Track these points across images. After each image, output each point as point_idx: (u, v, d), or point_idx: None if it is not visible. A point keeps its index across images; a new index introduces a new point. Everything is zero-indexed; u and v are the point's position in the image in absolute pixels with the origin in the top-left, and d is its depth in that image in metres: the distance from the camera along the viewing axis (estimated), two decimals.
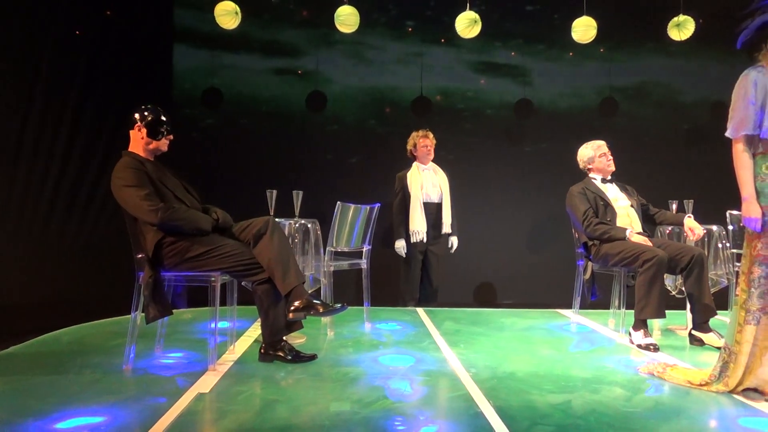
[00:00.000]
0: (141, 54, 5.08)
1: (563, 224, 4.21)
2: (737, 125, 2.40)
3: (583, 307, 4.08)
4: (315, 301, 2.69)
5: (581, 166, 3.96)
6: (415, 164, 4.62)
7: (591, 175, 3.91)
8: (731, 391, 2.44)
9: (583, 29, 5.00)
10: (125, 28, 5.00)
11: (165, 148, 2.93)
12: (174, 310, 2.78)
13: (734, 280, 3.63)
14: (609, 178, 3.88)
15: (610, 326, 3.82)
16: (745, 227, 2.43)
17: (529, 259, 5.55)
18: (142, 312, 2.73)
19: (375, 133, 5.54)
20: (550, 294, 4.80)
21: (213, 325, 2.73)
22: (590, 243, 3.70)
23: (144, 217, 2.69)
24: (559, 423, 2.12)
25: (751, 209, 2.37)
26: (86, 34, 4.79)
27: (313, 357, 2.90)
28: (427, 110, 5.63)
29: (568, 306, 4.19)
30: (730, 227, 3.98)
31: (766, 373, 2.35)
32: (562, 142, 4.53)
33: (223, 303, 2.94)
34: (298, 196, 3.54)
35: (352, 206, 3.56)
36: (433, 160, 4.65)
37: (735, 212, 3.94)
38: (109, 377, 2.60)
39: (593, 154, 3.89)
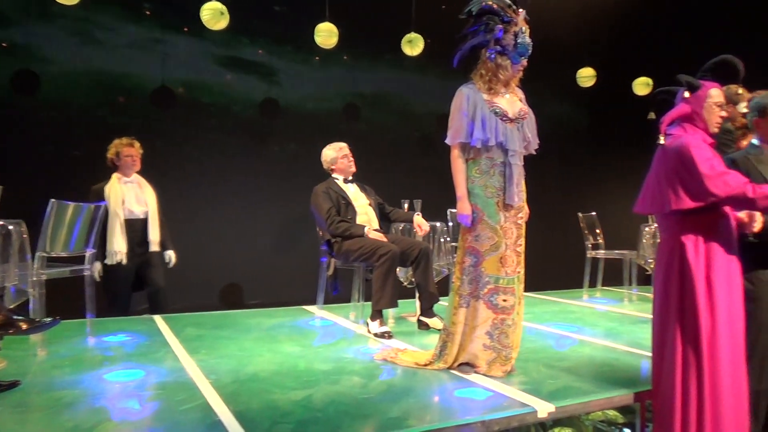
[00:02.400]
0: None
1: (309, 223, 4.30)
2: (454, 134, 2.72)
3: (327, 302, 4.23)
4: (16, 317, 2.25)
5: (325, 166, 4.10)
6: (114, 176, 4.03)
7: (334, 175, 4.07)
8: (449, 367, 2.75)
9: (326, 34, 5.19)
10: None
11: None
12: None
13: (453, 270, 4.15)
14: (350, 178, 4.08)
15: (351, 318, 4.02)
16: (459, 223, 2.77)
17: (276, 257, 5.55)
18: None
19: (106, 124, 4.91)
20: (296, 291, 4.86)
21: None
22: (333, 240, 3.85)
23: None
24: (299, 419, 2.12)
25: (463, 207, 2.71)
26: None
27: (14, 384, 2.40)
28: (170, 102, 5.22)
29: (313, 302, 4.30)
30: (450, 223, 4.55)
31: (475, 348, 2.70)
32: (309, 142, 4.62)
33: None
34: None
35: (72, 204, 3.08)
36: (138, 172, 4.09)
37: (453, 210, 4.51)
38: None
39: (336, 155, 4.05)
